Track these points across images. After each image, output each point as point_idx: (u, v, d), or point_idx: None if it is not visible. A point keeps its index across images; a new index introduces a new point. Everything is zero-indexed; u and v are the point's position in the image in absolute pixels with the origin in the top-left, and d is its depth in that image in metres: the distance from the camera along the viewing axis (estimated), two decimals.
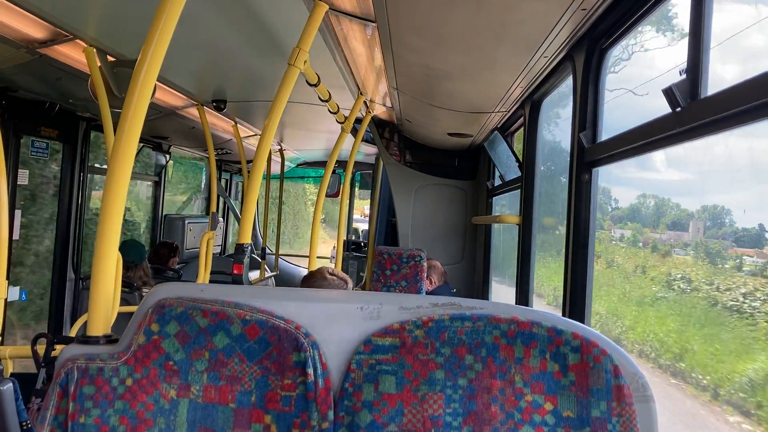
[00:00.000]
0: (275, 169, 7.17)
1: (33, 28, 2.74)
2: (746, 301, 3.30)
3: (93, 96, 3.04)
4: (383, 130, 5.04)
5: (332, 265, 3.54)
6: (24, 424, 1.84)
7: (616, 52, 2.15)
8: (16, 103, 3.99)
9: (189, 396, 1.22)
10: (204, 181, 8.46)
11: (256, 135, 5.83)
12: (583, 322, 2.12)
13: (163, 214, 6.90)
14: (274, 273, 7.03)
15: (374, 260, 4.07)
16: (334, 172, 6.80)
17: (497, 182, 4.53)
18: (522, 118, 3.44)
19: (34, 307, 4.71)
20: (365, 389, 1.23)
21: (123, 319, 2.61)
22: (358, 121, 4.20)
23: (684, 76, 1.49)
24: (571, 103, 2.36)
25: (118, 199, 1.33)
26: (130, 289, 4.30)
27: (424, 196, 5.06)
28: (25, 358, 2.90)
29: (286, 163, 7.56)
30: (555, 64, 2.54)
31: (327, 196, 4.50)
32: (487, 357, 1.23)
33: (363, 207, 11.69)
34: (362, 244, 7.34)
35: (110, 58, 3.07)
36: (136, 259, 4.66)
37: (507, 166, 4.09)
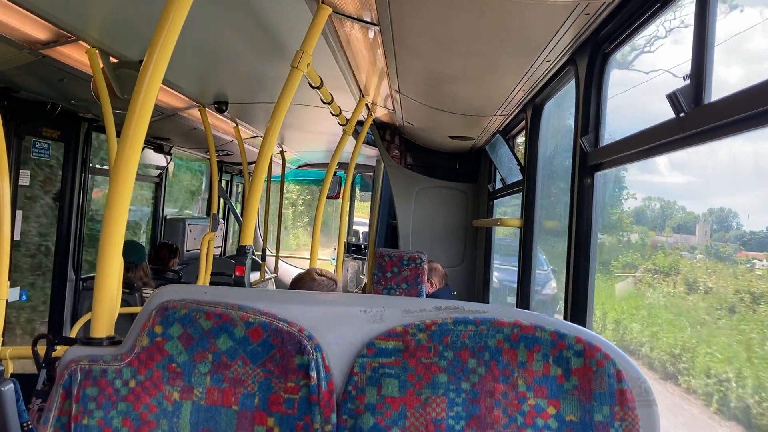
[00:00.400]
0: (276, 170, 7.17)
1: (36, 30, 2.74)
2: None
3: (95, 97, 3.04)
4: (384, 133, 5.04)
5: (332, 268, 3.54)
6: (25, 424, 1.83)
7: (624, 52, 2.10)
8: (19, 103, 4.00)
9: (192, 398, 1.22)
10: (204, 182, 8.45)
11: (257, 136, 5.83)
12: (584, 325, 2.12)
13: (164, 215, 6.90)
14: (274, 275, 7.03)
15: (375, 262, 4.06)
16: (334, 174, 6.79)
17: (498, 185, 4.53)
18: (524, 121, 3.45)
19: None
20: (368, 392, 1.23)
21: (123, 319, 2.61)
22: (360, 123, 4.20)
23: (687, 81, 1.49)
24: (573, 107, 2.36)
25: (123, 201, 1.33)
26: (130, 290, 4.29)
27: (424, 199, 5.06)
28: (25, 359, 2.90)
29: (287, 164, 7.56)
30: (557, 69, 2.55)
31: (328, 197, 4.49)
32: (490, 361, 1.23)
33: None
34: (362, 246, 7.34)
35: (113, 60, 3.07)
36: (137, 260, 4.66)
37: (508, 169, 4.10)
